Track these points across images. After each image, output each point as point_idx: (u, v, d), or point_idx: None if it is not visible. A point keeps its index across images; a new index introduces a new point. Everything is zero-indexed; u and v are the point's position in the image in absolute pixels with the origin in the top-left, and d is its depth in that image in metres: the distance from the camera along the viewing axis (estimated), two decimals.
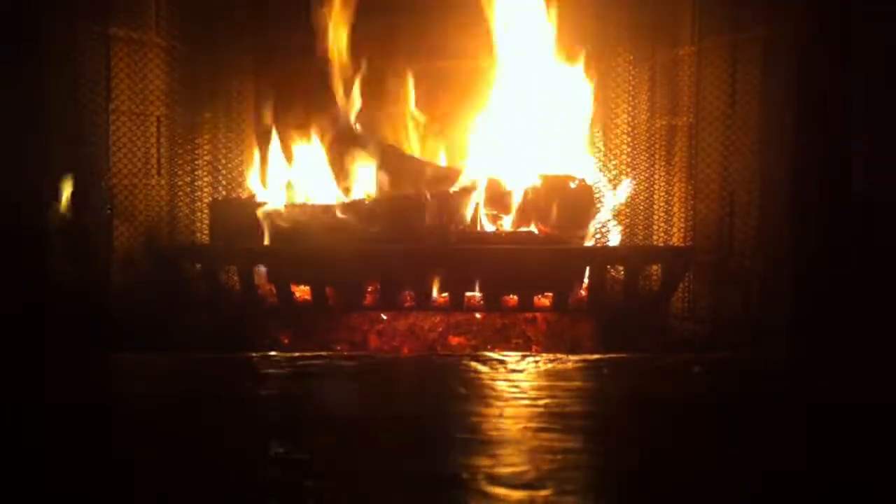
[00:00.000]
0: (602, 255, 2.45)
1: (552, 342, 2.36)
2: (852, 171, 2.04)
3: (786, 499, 1.16)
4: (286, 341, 2.36)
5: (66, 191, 2.13)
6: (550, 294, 2.38)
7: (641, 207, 2.63)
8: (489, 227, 2.47)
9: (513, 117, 2.65)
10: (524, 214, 2.46)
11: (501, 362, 1.88)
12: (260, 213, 2.40)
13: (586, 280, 2.38)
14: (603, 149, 2.71)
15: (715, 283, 2.32)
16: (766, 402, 1.67)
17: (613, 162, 2.69)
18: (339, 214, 2.42)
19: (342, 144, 2.65)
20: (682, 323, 2.40)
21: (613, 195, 2.65)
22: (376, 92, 2.72)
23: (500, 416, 1.49)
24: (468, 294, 2.37)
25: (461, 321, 2.40)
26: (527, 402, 1.58)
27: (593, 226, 2.57)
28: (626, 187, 2.65)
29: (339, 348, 2.35)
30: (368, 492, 1.16)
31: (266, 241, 2.39)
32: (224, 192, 2.63)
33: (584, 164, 2.66)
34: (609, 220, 2.64)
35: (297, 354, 2.00)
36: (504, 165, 2.60)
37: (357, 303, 2.37)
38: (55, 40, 2.10)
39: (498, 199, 2.48)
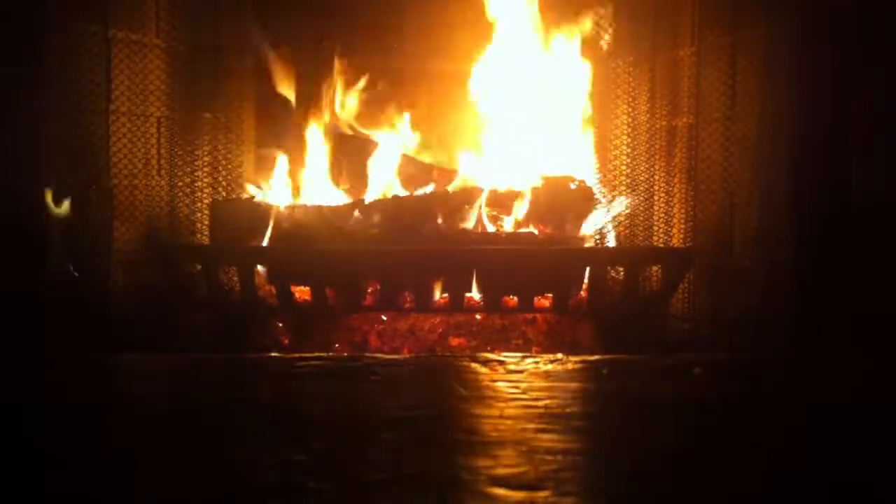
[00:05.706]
0: (602, 256, 2.46)
1: (552, 343, 2.36)
2: (852, 171, 2.03)
3: (786, 499, 1.16)
4: (286, 342, 2.36)
5: (67, 191, 2.13)
6: (550, 295, 2.38)
7: (641, 208, 2.63)
8: (490, 228, 2.46)
9: (513, 118, 2.65)
10: (525, 215, 2.46)
11: (501, 363, 1.88)
12: (263, 214, 2.40)
13: (586, 281, 2.38)
14: (603, 150, 2.70)
15: (715, 283, 2.31)
16: (766, 402, 1.67)
17: (614, 163, 2.69)
18: (339, 215, 2.42)
19: (342, 145, 2.66)
20: (682, 323, 2.39)
21: (613, 196, 2.65)
22: (375, 92, 2.73)
23: (500, 416, 1.49)
24: (468, 295, 2.37)
25: (461, 322, 2.40)
26: (527, 402, 1.58)
27: (593, 226, 2.57)
28: (625, 189, 2.65)
29: (339, 349, 2.35)
30: (368, 493, 1.15)
31: (266, 242, 2.40)
32: (224, 192, 2.62)
33: (585, 165, 2.65)
34: (609, 221, 2.64)
35: (297, 355, 2.00)
36: (504, 166, 2.60)
37: (357, 304, 2.37)
38: (55, 42, 2.11)
39: (498, 200, 2.48)
